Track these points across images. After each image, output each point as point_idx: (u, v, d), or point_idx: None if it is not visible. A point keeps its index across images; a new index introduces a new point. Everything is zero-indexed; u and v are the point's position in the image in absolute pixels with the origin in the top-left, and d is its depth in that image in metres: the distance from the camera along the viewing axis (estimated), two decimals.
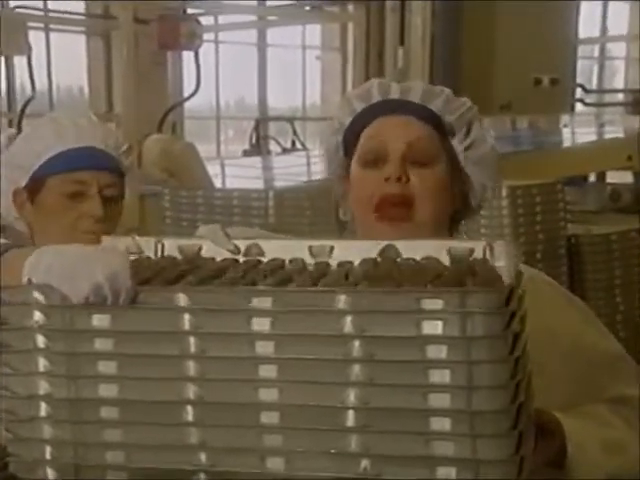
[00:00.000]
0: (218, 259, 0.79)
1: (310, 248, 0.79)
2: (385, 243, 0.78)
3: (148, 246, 0.81)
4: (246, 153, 7.05)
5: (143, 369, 0.68)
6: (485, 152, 1.08)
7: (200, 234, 0.82)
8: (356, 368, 0.64)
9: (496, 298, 0.63)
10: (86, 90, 6.50)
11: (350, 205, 1.10)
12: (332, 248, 0.79)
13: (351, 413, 0.65)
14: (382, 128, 1.06)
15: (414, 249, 0.78)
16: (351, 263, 0.77)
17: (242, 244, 0.80)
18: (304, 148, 7.41)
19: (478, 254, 0.76)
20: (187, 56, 5.89)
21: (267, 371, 0.66)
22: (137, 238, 0.81)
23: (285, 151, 7.26)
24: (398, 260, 0.77)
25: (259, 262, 0.78)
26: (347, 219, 1.17)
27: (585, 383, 0.99)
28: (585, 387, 0.99)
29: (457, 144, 1.07)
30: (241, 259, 0.79)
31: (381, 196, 1.03)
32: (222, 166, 6.02)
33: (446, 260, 0.76)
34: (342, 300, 0.64)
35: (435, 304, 0.62)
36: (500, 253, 0.76)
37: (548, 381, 0.96)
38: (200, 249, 0.81)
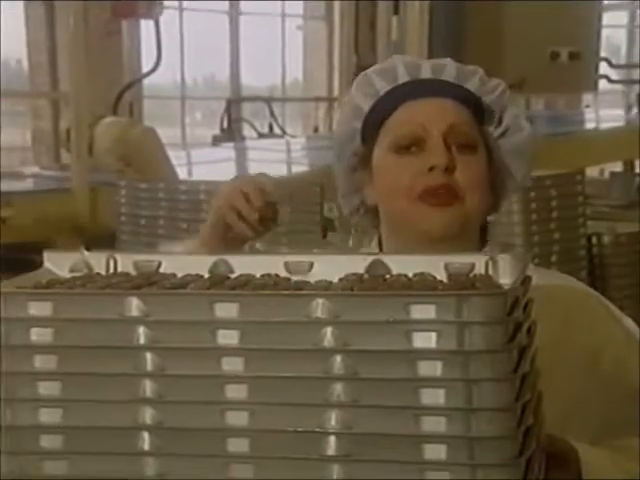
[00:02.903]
0: (180, 275, 0.80)
1: (286, 264, 0.80)
2: (372, 258, 0.79)
3: (98, 262, 0.82)
4: (216, 139, 7.06)
5: (91, 390, 0.68)
6: (520, 140, 1.09)
7: None
8: (338, 387, 0.65)
9: (498, 304, 0.64)
10: (25, 64, 6.46)
11: (371, 199, 1.11)
12: (312, 264, 0.80)
13: (332, 439, 0.65)
14: (417, 111, 1.06)
15: (405, 265, 0.79)
16: (331, 282, 0.78)
17: (207, 260, 0.81)
18: (284, 133, 7.42)
19: (480, 269, 0.77)
20: (146, 25, 5.88)
21: (235, 391, 0.66)
22: (85, 253, 0.82)
23: (262, 136, 7.27)
24: (387, 277, 0.78)
25: (227, 278, 0.79)
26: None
27: (624, 416, 1.00)
28: (623, 421, 1.00)
29: (492, 130, 1.09)
30: (206, 275, 0.80)
31: (424, 188, 1.03)
32: (188, 154, 6.02)
33: (443, 277, 0.77)
34: (320, 306, 0.64)
35: (427, 312, 0.63)
36: (505, 268, 0.77)
37: (580, 410, 0.98)
38: (159, 265, 0.82)
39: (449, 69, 1.08)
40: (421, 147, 1.05)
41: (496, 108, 1.08)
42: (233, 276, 0.80)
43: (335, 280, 0.77)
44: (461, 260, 0.78)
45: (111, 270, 0.83)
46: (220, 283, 0.76)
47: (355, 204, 1.15)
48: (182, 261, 0.83)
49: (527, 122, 1.10)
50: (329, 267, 0.79)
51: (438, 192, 1.03)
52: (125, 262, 0.83)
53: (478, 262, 0.78)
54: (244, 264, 0.81)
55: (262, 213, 1.07)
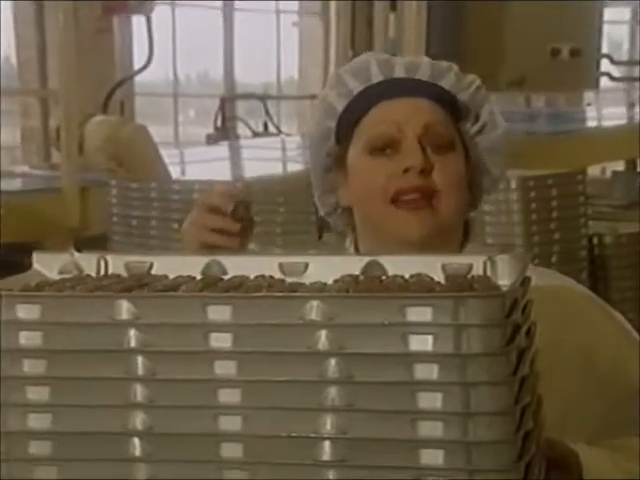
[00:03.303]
0: (172, 276, 0.80)
1: (281, 265, 0.80)
2: (368, 259, 0.80)
3: (89, 264, 0.83)
4: (210, 138, 7.06)
5: (81, 395, 0.68)
6: (497, 137, 1.10)
7: None
8: (332, 391, 0.65)
9: (496, 306, 0.64)
10: (14, 61, 6.45)
11: (345, 200, 1.11)
12: (307, 265, 0.80)
13: (327, 444, 0.66)
14: (391, 112, 1.07)
15: (402, 265, 0.79)
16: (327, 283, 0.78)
17: (200, 261, 0.81)
18: (279, 132, 7.43)
19: (478, 270, 0.78)
20: (137, 21, 5.88)
21: (228, 396, 0.67)
22: (76, 255, 0.83)
23: (256, 135, 7.27)
24: (383, 278, 0.78)
25: (220, 279, 0.79)
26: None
27: (621, 416, 1.01)
28: (620, 421, 1.01)
29: (468, 128, 1.10)
30: (199, 277, 0.80)
31: (397, 190, 1.04)
32: (181, 153, 6.02)
33: (440, 278, 0.78)
34: (315, 308, 0.65)
35: (424, 315, 0.63)
36: (504, 269, 0.77)
37: (579, 410, 0.99)
38: (151, 266, 0.82)
39: (423, 67, 1.09)
40: (396, 149, 1.05)
41: (472, 105, 1.09)
42: (226, 277, 0.80)
43: (330, 281, 0.77)
44: (459, 261, 0.79)
45: (102, 272, 0.83)
46: (213, 285, 0.76)
47: (331, 204, 1.15)
48: (174, 262, 0.83)
49: (502, 120, 1.11)
50: (324, 268, 0.80)
51: (413, 195, 1.03)
52: (116, 263, 0.83)
53: (476, 263, 0.78)
54: (238, 265, 0.81)
55: (237, 214, 1.07)
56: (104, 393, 0.68)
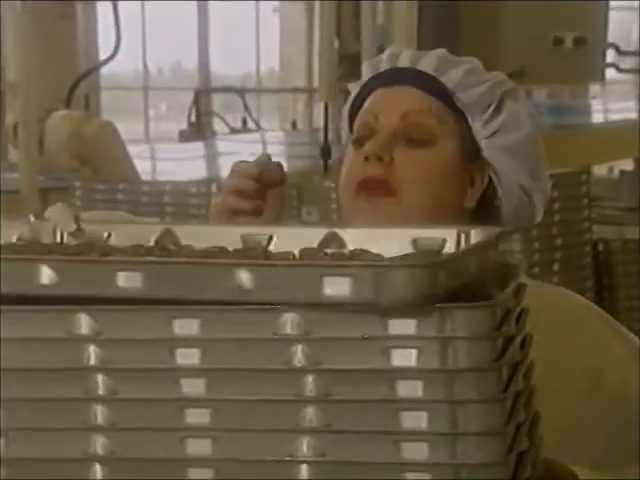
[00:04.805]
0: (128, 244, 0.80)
1: (243, 237, 0.81)
2: (326, 231, 0.80)
3: (45, 230, 0.85)
4: (183, 134, 7.07)
5: (36, 417, 0.68)
6: (518, 139, 1.08)
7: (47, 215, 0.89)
8: (310, 411, 0.65)
9: (485, 318, 0.65)
10: None
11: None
12: (271, 237, 0.81)
13: (304, 468, 0.66)
14: (378, 100, 1.10)
15: (363, 239, 0.79)
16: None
17: (154, 230, 0.82)
18: (258, 128, 7.44)
19: (451, 245, 0.78)
20: (103, 7, 5.88)
21: (197, 416, 0.67)
22: (33, 220, 0.84)
23: (234, 131, 7.28)
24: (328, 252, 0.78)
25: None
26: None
27: (628, 444, 1.01)
28: (626, 449, 1.01)
29: (479, 128, 1.08)
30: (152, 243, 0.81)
31: (359, 180, 1.05)
32: (151, 151, 6.02)
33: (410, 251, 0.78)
34: (290, 321, 0.65)
35: (407, 327, 0.64)
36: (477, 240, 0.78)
37: (582, 433, 0.99)
38: (109, 236, 0.82)
39: (429, 59, 1.10)
40: (372, 138, 1.07)
41: (485, 103, 1.09)
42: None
43: (295, 252, 0.76)
44: (431, 234, 0.79)
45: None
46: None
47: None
48: (132, 230, 0.84)
49: (528, 120, 1.10)
50: (288, 240, 0.80)
51: (370, 185, 1.05)
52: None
53: (450, 237, 0.78)
54: (194, 235, 0.81)
55: (263, 178, 1.07)
56: (61, 415, 0.68)
